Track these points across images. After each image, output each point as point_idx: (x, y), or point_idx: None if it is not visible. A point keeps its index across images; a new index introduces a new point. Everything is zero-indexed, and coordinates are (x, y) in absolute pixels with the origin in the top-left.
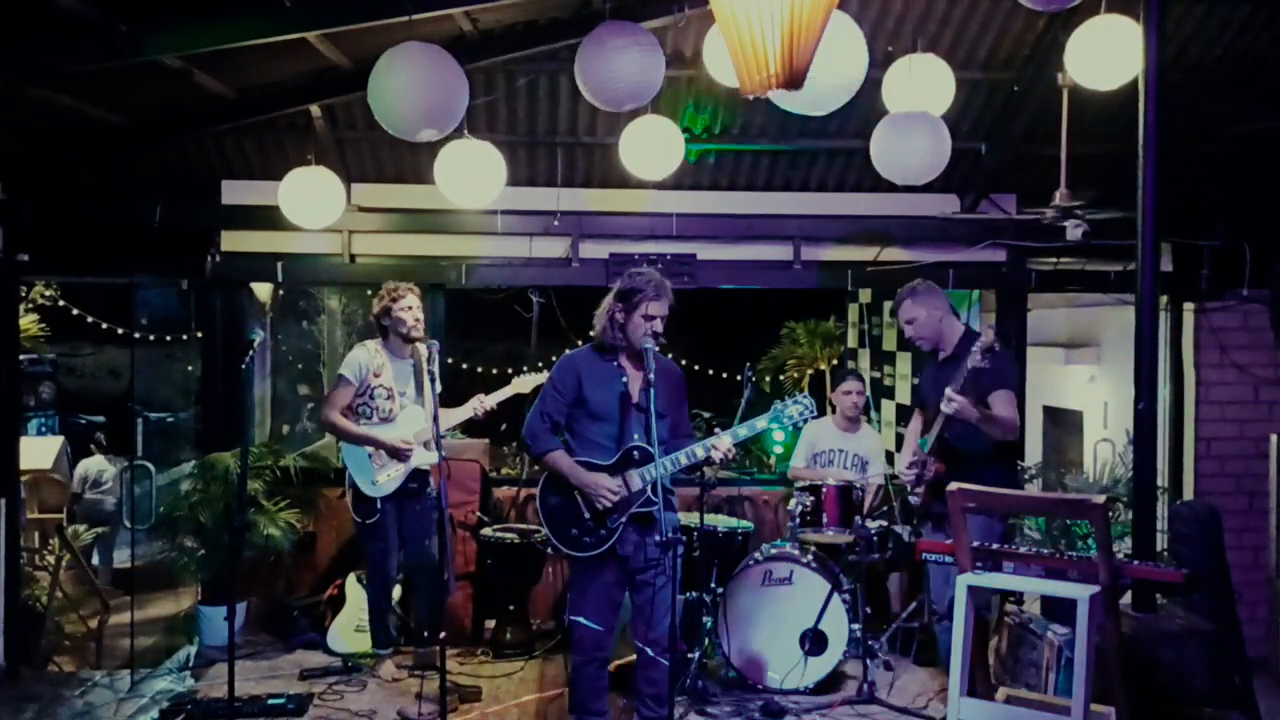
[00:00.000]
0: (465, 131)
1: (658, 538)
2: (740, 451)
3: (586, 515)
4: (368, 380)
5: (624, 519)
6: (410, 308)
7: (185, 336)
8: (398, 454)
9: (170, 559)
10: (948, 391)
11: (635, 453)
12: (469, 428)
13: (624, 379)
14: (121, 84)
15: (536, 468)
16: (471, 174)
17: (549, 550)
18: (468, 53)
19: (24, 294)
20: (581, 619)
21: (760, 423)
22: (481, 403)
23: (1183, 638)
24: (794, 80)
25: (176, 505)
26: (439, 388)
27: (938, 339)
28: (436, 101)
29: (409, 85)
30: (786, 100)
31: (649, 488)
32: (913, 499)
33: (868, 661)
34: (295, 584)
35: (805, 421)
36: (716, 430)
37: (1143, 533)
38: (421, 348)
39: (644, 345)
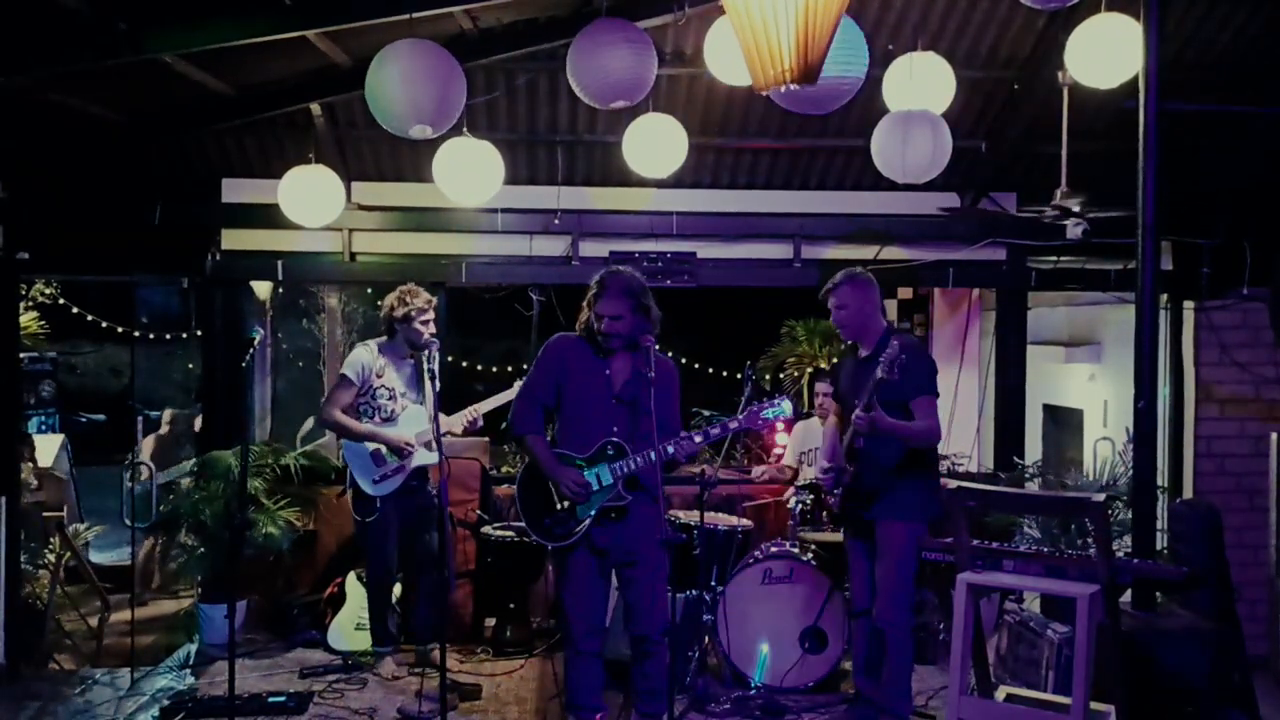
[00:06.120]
0: (465, 129)
1: (658, 537)
2: (741, 449)
3: (559, 506)
4: (370, 381)
5: (593, 513)
6: (428, 321)
7: (185, 335)
8: (400, 451)
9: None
10: (856, 413)
11: (609, 447)
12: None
13: (607, 371)
14: (121, 82)
15: (521, 456)
16: (469, 172)
17: (527, 539)
18: (468, 51)
19: (24, 292)
20: (566, 612)
21: (733, 423)
22: (476, 412)
23: (1182, 636)
24: (808, 75)
25: (177, 503)
26: (439, 389)
27: (861, 332)
28: (429, 98)
29: (402, 82)
30: (788, 99)
31: (620, 484)
32: (831, 500)
33: None
34: (295, 582)
35: (777, 420)
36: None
37: (1142, 531)
38: None
39: (643, 341)
